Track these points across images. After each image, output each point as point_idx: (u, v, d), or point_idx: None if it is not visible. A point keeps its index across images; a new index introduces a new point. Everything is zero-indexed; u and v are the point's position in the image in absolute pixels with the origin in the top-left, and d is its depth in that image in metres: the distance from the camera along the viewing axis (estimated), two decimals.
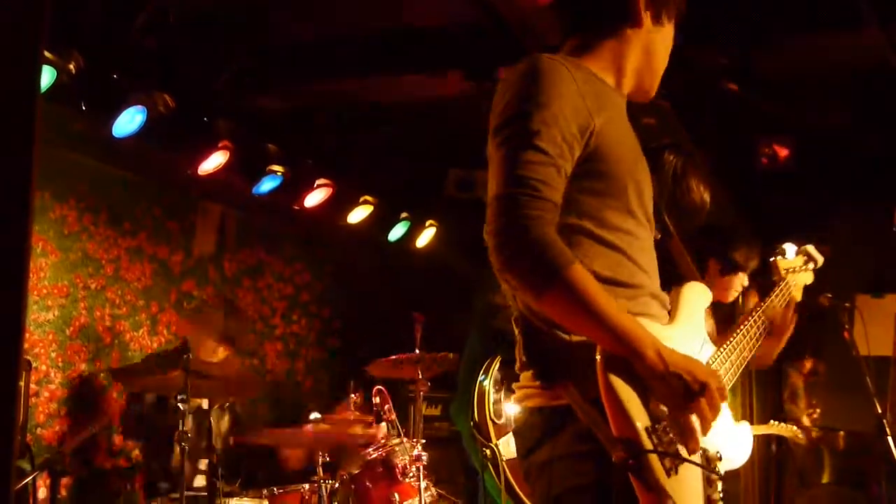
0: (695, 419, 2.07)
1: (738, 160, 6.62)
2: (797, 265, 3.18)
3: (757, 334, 2.63)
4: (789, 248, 3.21)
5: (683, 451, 2.08)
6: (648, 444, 1.97)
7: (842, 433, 7.36)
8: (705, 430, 2.09)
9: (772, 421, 5.59)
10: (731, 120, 6.13)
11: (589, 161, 2.15)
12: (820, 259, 3.24)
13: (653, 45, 2.38)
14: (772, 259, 3.15)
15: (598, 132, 2.16)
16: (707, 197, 3.32)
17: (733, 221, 6.20)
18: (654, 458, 1.97)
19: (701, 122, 5.81)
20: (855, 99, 6.12)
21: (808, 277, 3.19)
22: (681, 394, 2.03)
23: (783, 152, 6.56)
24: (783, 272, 3.12)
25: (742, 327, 2.62)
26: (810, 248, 3.24)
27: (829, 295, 5.34)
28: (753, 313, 2.67)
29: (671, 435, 2.05)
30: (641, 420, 1.99)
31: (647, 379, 2.03)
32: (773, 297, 2.91)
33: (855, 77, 5.82)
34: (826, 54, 5.45)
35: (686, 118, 5.58)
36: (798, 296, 3.11)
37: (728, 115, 5.97)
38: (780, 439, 7.22)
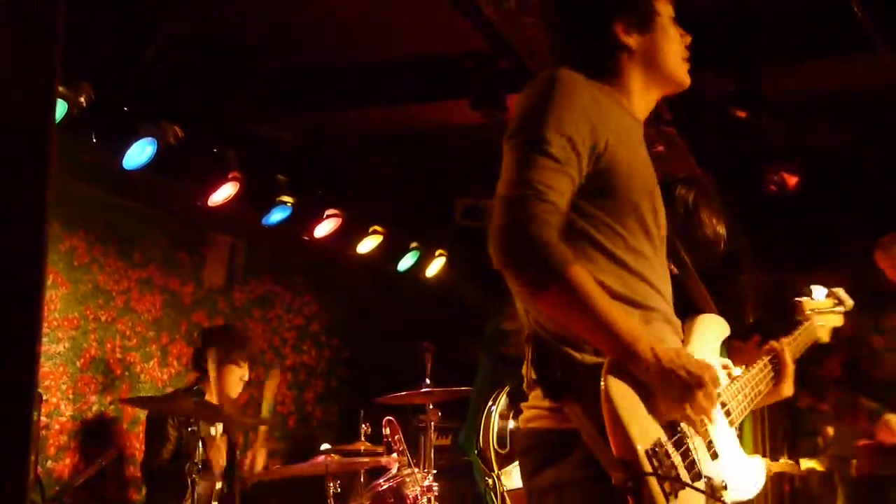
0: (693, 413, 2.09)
1: (747, 187, 6.62)
2: (825, 307, 3.16)
3: (771, 372, 2.63)
4: (818, 290, 3.20)
5: (685, 476, 2.08)
6: (648, 467, 1.99)
7: (855, 461, 7.31)
8: (709, 419, 2.12)
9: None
10: (739, 146, 6.14)
11: (601, 178, 2.17)
12: (850, 303, 3.22)
13: (653, 52, 2.37)
14: (796, 299, 3.13)
15: (609, 150, 2.17)
16: (721, 230, 3.31)
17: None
18: (653, 481, 1.98)
19: (709, 149, 5.82)
20: (863, 123, 6.12)
21: (837, 320, 3.17)
22: (679, 389, 2.06)
23: (792, 180, 6.57)
24: (808, 312, 3.10)
25: (759, 362, 2.61)
26: (840, 291, 3.22)
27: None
28: (766, 355, 2.66)
29: (671, 459, 2.06)
30: (642, 443, 2.01)
31: (646, 379, 2.06)
32: (794, 335, 2.89)
33: (863, 101, 5.82)
34: (833, 79, 5.46)
35: (693, 145, 5.59)
36: (825, 337, 3.09)
37: (736, 141, 5.98)
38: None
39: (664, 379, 2.05)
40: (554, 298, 2.03)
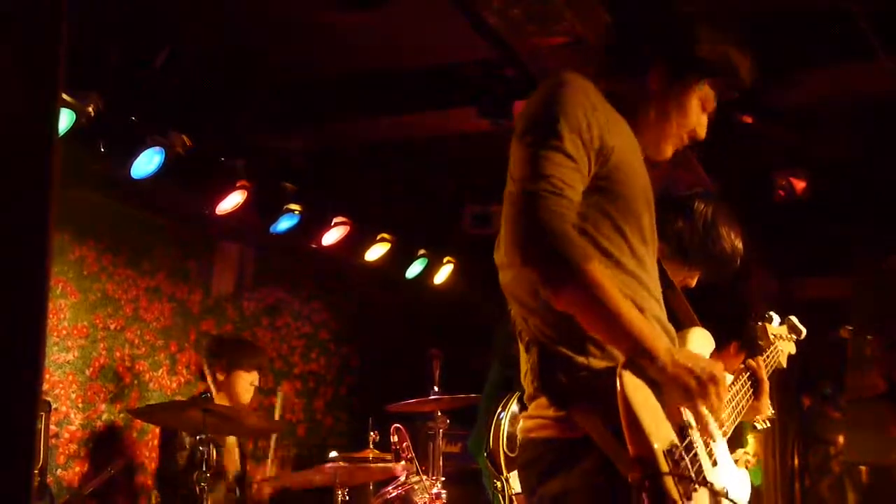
0: (706, 411, 2.14)
1: (755, 193, 6.61)
2: (783, 333, 3.20)
3: (750, 388, 2.69)
4: (775, 316, 3.24)
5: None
6: (665, 467, 2.00)
7: (864, 467, 7.29)
8: (718, 418, 2.19)
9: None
10: (747, 153, 6.13)
11: (606, 180, 2.20)
12: (804, 331, 3.26)
13: (667, 109, 2.42)
14: (760, 323, 3.17)
15: (616, 154, 2.21)
16: (739, 245, 3.34)
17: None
18: (670, 481, 1.98)
19: (716, 156, 5.81)
20: (871, 130, 6.11)
21: (791, 347, 3.22)
22: (693, 386, 2.09)
23: (800, 185, 6.55)
24: (771, 337, 3.14)
25: (738, 381, 2.66)
26: (794, 319, 3.27)
27: (850, 327, 5.31)
28: (745, 372, 2.72)
29: (685, 461, 2.07)
30: (659, 443, 2.02)
31: (660, 379, 2.08)
32: (764, 357, 2.93)
33: (871, 108, 5.81)
34: (842, 86, 5.45)
35: (700, 152, 5.58)
36: (784, 363, 3.13)
37: (743, 148, 5.97)
38: (802, 475, 7.17)
39: (679, 376, 2.08)
40: (572, 294, 2.05)
